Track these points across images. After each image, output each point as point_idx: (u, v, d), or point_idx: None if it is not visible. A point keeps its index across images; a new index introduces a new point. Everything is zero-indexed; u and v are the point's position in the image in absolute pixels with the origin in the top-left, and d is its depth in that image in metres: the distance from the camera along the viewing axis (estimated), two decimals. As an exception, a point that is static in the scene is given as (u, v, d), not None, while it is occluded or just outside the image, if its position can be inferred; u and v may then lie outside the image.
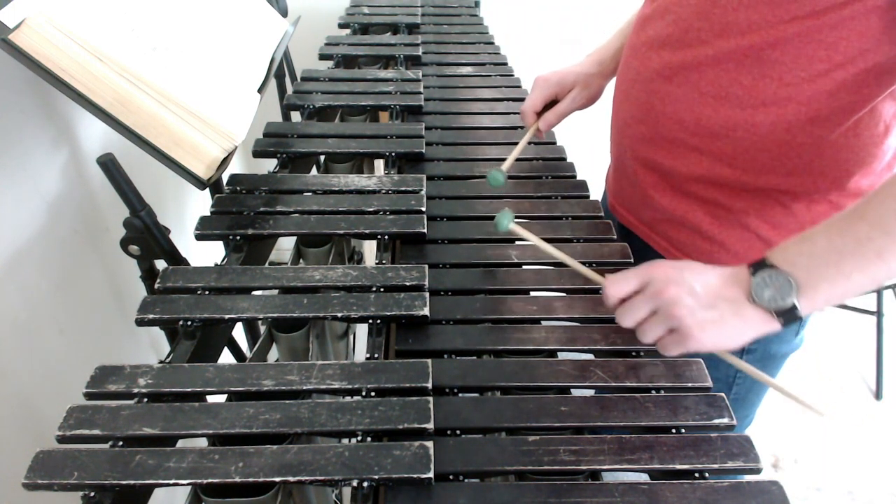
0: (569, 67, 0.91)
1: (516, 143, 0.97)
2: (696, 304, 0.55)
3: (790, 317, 0.54)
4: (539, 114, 0.91)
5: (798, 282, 0.53)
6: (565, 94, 0.90)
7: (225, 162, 0.77)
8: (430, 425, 0.54)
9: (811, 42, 0.60)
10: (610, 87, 0.84)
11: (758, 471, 0.53)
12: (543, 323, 0.67)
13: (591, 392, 0.61)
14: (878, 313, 1.90)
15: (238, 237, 0.75)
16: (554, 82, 0.89)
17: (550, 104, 0.91)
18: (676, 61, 0.69)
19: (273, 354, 0.76)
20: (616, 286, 0.58)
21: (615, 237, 0.79)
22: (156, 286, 0.67)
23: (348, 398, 0.56)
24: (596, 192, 0.90)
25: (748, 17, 0.62)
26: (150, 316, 0.64)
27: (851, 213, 0.54)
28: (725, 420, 0.57)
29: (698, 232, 0.76)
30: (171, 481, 0.49)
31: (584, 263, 0.74)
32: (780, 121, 0.65)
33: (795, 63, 0.61)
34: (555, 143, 0.99)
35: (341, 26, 1.39)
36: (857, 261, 0.52)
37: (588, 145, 1.26)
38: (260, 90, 0.89)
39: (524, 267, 0.75)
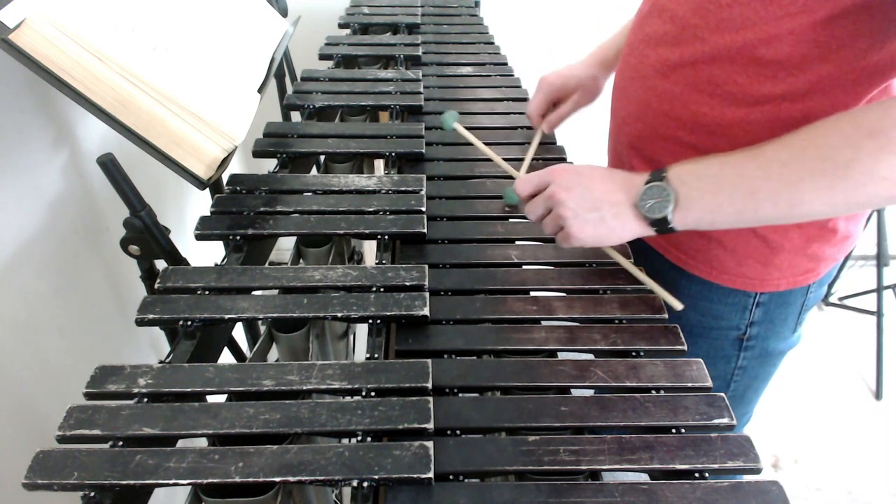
0: (571, 67, 0.93)
1: (516, 144, 0.98)
2: (579, 206, 0.63)
3: (662, 227, 0.61)
4: (543, 116, 0.94)
5: (679, 198, 0.60)
6: (568, 98, 0.93)
7: (225, 162, 0.77)
8: (430, 425, 0.54)
9: (803, 39, 0.60)
10: (609, 85, 0.84)
11: (758, 471, 0.53)
12: (543, 323, 0.67)
13: (591, 392, 0.61)
14: (878, 313, 1.90)
15: (238, 237, 0.75)
16: (558, 86, 0.93)
17: (554, 105, 0.94)
18: (673, 58, 0.69)
19: (273, 354, 0.76)
20: (521, 185, 0.67)
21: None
22: (156, 286, 0.67)
23: (348, 398, 0.56)
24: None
25: (742, 13, 0.62)
26: (150, 316, 0.64)
27: (752, 150, 0.58)
28: (725, 420, 0.57)
29: (694, 230, 0.76)
30: (171, 481, 0.49)
31: (583, 264, 0.75)
32: (775, 118, 0.65)
33: (789, 60, 0.62)
34: (554, 143, 0.99)
35: (341, 26, 1.39)
36: (732, 194, 0.58)
37: (588, 145, 1.26)
38: (260, 90, 0.89)
39: (524, 267, 0.75)
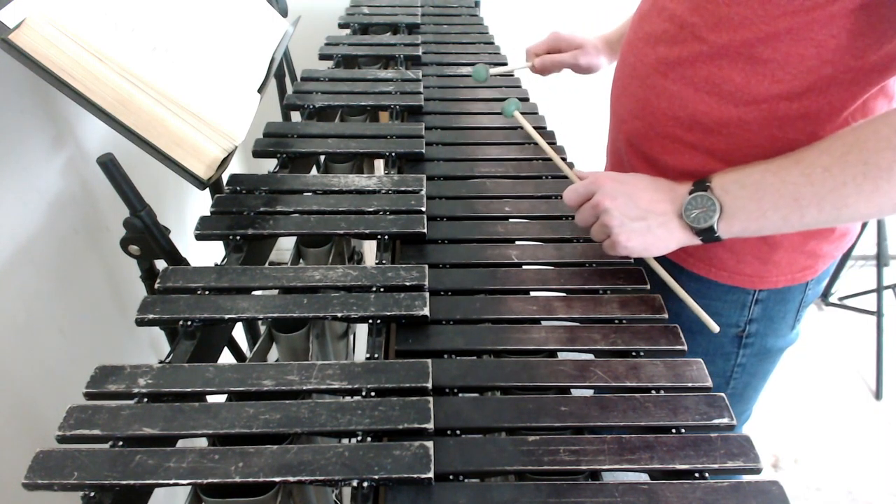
0: (582, 35, 1.02)
1: (516, 143, 0.98)
2: (626, 215, 0.64)
3: (708, 236, 0.62)
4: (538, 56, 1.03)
5: (724, 207, 0.61)
6: (569, 50, 1.01)
7: (225, 162, 0.77)
8: (430, 425, 0.54)
9: (801, 39, 0.60)
10: (608, 83, 0.84)
11: (758, 471, 0.53)
12: (543, 323, 0.67)
13: (591, 392, 0.61)
14: (878, 313, 1.90)
15: (238, 237, 0.75)
16: (563, 38, 1.01)
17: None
18: (672, 57, 0.69)
19: (273, 354, 0.76)
20: (569, 195, 0.69)
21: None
22: (156, 286, 0.67)
23: (348, 398, 0.56)
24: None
25: (739, 12, 0.62)
26: (150, 316, 0.64)
27: (792, 157, 0.59)
28: (725, 420, 0.57)
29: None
30: (171, 481, 0.49)
31: (583, 264, 0.75)
32: (772, 117, 0.65)
33: (786, 60, 0.62)
34: (555, 143, 0.99)
35: (341, 26, 1.39)
36: (775, 200, 0.59)
37: (588, 144, 1.26)
38: (260, 90, 0.89)
39: (524, 267, 0.75)
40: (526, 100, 1.10)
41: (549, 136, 1.00)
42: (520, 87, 1.16)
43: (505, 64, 1.24)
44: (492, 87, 1.16)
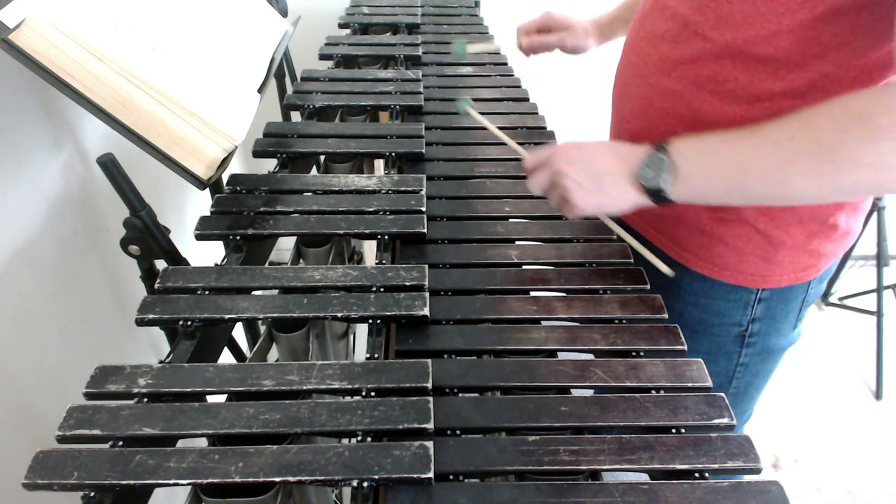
0: (574, 17, 1.03)
1: (517, 144, 0.98)
2: (581, 177, 0.65)
3: (658, 196, 0.63)
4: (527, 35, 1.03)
5: (676, 170, 0.61)
6: (556, 32, 1.01)
7: (225, 162, 0.77)
8: (430, 425, 0.54)
9: (803, 37, 0.60)
10: (609, 82, 0.84)
11: (758, 471, 0.53)
12: (543, 323, 0.67)
13: (591, 392, 0.61)
14: (878, 313, 1.90)
15: (238, 237, 0.75)
16: (554, 18, 1.02)
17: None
18: (674, 56, 0.69)
19: (273, 354, 0.76)
20: (528, 160, 0.71)
21: (615, 237, 0.79)
22: (156, 286, 0.67)
23: (348, 398, 0.56)
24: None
25: (742, 10, 0.62)
26: (150, 316, 0.64)
27: (750, 129, 0.59)
28: (725, 420, 0.57)
29: (696, 227, 0.76)
30: (171, 481, 0.49)
31: (583, 264, 0.75)
32: (775, 115, 0.65)
33: (789, 58, 0.62)
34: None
35: (341, 26, 1.39)
36: (724, 169, 0.59)
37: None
38: (260, 90, 0.89)
39: (524, 267, 0.75)
40: (526, 100, 1.10)
41: (549, 136, 1.00)
42: (519, 86, 1.16)
43: (505, 64, 1.24)
44: (492, 87, 1.16)
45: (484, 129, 0.82)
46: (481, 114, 0.82)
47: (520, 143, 0.79)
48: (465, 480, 0.52)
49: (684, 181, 0.61)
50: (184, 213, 1.36)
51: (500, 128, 0.82)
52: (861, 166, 0.53)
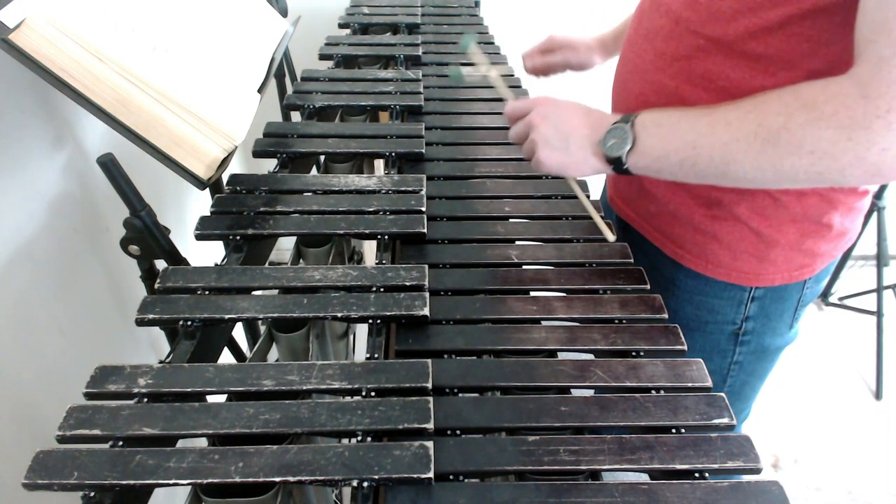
0: (577, 36, 1.05)
1: (516, 144, 0.98)
2: (551, 135, 0.67)
3: (617, 166, 0.65)
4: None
5: (637, 141, 0.63)
6: (560, 51, 1.04)
7: (225, 162, 0.77)
8: (430, 425, 0.54)
9: (792, 33, 0.61)
10: (609, 80, 0.85)
11: (758, 471, 0.53)
12: (543, 323, 0.67)
13: (591, 392, 0.61)
14: (878, 313, 1.90)
15: (238, 237, 0.75)
16: (556, 40, 1.04)
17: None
18: (669, 52, 0.70)
19: (273, 354, 0.76)
20: (508, 109, 0.73)
21: (615, 237, 0.79)
22: (156, 286, 0.67)
23: (348, 398, 0.56)
24: (596, 188, 0.91)
25: (731, 5, 0.63)
26: (150, 316, 0.64)
27: (710, 107, 0.61)
28: (725, 420, 0.57)
29: (691, 224, 0.77)
30: (171, 481, 0.49)
31: (583, 264, 0.75)
32: None
33: (779, 55, 0.62)
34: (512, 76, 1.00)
35: (341, 26, 1.39)
36: (678, 144, 0.61)
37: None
38: (260, 90, 0.89)
39: (524, 267, 0.75)
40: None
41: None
42: (520, 86, 1.16)
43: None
44: (492, 87, 1.15)
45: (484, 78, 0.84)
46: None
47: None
48: (465, 480, 0.52)
49: (641, 153, 0.63)
50: (184, 213, 1.36)
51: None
52: (801, 152, 0.53)
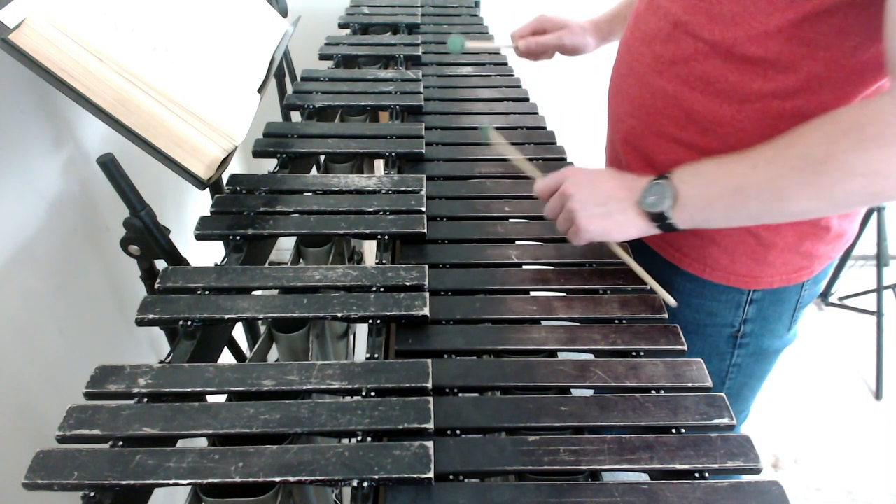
0: (570, 17, 1.02)
1: (516, 143, 0.98)
2: (587, 201, 0.66)
3: (662, 222, 0.64)
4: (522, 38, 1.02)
5: (678, 195, 0.62)
6: (555, 31, 1.00)
7: (225, 162, 0.77)
8: (430, 425, 0.54)
9: (792, 37, 0.60)
10: (606, 83, 0.84)
11: (758, 471, 0.53)
12: (543, 323, 0.67)
13: (591, 392, 0.61)
14: (878, 313, 1.90)
15: (238, 237, 0.75)
16: (548, 19, 1.01)
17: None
18: (667, 55, 0.70)
19: (273, 354, 0.76)
20: (539, 187, 0.71)
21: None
22: (156, 286, 0.67)
23: (348, 398, 0.56)
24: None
25: (731, 9, 0.63)
26: (150, 316, 0.64)
27: (747, 151, 0.60)
28: (725, 420, 0.57)
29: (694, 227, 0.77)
30: (171, 481, 0.49)
31: (583, 264, 0.75)
32: (766, 116, 0.65)
33: (778, 58, 0.62)
34: (555, 143, 0.99)
35: (341, 26, 1.39)
36: (721, 191, 0.60)
37: (587, 144, 1.26)
38: (260, 90, 0.89)
39: (524, 267, 0.75)
40: (526, 100, 1.10)
41: (549, 136, 1.00)
42: (519, 86, 1.16)
43: (505, 64, 1.24)
44: (492, 87, 1.16)
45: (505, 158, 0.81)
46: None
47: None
48: (465, 480, 0.52)
49: (685, 205, 0.62)
50: (184, 213, 1.36)
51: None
52: (853, 176, 0.53)
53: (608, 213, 0.66)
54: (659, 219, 0.64)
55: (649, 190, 0.64)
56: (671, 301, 0.69)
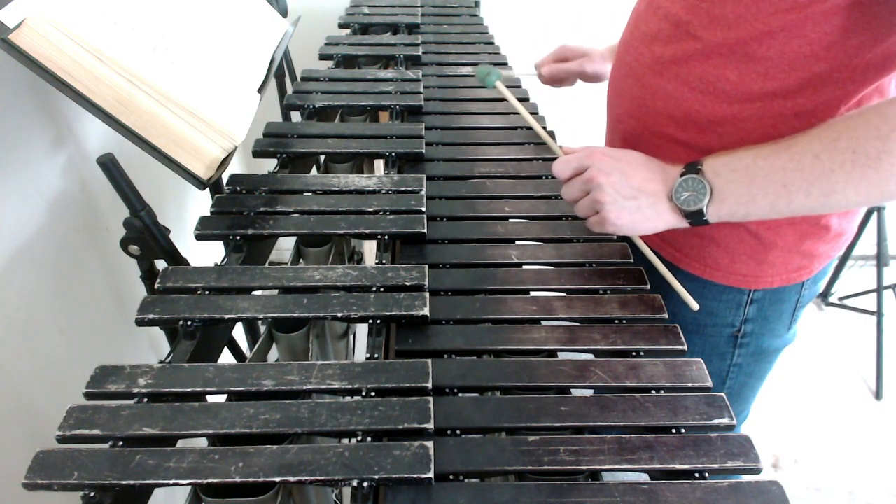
0: (588, 46, 1.04)
1: (516, 144, 0.98)
2: (618, 192, 0.63)
3: (697, 219, 0.62)
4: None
5: (714, 190, 0.60)
6: (576, 59, 1.02)
7: (225, 162, 0.77)
8: (430, 425, 0.54)
9: (794, 37, 0.60)
10: (606, 84, 0.85)
11: (758, 471, 0.53)
12: (543, 323, 0.67)
13: (591, 392, 0.61)
14: (878, 313, 1.90)
15: (238, 237, 0.75)
16: (569, 48, 1.04)
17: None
18: (667, 56, 0.70)
19: (273, 354, 0.76)
20: (560, 167, 0.67)
21: (614, 237, 0.79)
22: (156, 286, 0.67)
23: (348, 398, 0.56)
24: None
25: (733, 10, 0.62)
26: (150, 316, 0.64)
27: (783, 142, 0.59)
28: (725, 420, 0.57)
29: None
30: (171, 481, 0.49)
31: (583, 264, 0.75)
32: (767, 115, 0.65)
33: (780, 58, 0.62)
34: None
35: (341, 26, 1.39)
36: (765, 185, 0.59)
37: (588, 144, 1.26)
38: (260, 90, 0.89)
39: (524, 267, 0.75)
40: (526, 100, 1.10)
41: (549, 136, 1.00)
42: (520, 86, 1.15)
43: (505, 64, 1.24)
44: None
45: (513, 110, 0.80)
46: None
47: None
48: (465, 480, 0.52)
49: (722, 201, 0.61)
50: (184, 213, 1.36)
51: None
52: None
53: (638, 207, 0.63)
54: (694, 215, 0.62)
55: (682, 185, 0.62)
56: (693, 304, 0.68)
